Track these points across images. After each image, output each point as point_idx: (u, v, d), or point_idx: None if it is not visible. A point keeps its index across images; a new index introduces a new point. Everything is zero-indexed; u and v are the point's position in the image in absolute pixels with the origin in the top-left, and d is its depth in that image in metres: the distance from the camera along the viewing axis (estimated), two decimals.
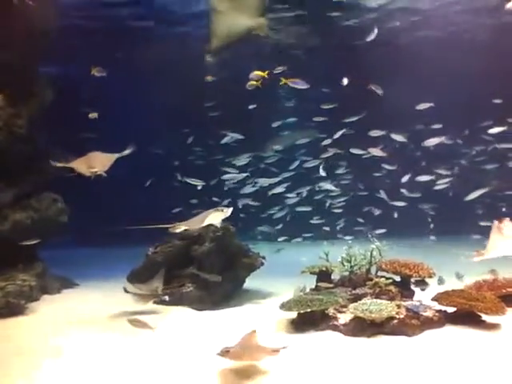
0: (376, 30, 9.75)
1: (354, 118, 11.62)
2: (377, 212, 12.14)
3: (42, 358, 4.84)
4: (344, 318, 5.50)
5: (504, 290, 6.28)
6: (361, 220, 13.35)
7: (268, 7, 10.03)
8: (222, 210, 5.59)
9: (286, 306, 5.60)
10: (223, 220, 6.00)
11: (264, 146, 15.19)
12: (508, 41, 13.24)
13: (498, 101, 12.17)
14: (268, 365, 4.42)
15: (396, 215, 12.93)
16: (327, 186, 11.54)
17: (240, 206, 12.73)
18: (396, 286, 6.13)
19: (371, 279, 6.23)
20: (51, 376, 4.45)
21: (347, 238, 11.79)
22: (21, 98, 7.68)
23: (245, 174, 12.09)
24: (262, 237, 15.00)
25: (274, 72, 9.11)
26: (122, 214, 11.25)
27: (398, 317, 5.36)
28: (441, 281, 7.68)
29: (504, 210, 13.13)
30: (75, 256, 11.66)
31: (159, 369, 4.54)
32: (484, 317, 5.61)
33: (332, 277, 6.79)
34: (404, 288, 6.26)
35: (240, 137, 12.45)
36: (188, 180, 10.84)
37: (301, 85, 8.25)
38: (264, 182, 11.88)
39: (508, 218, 5.20)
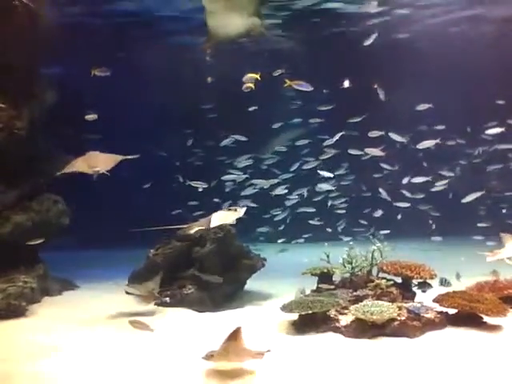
0: (376, 33, 9.73)
1: (357, 119, 11.59)
2: (379, 213, 12.10)
3: (43, 359, 4.83)
4: (345, 320, 5.50)
5: (505, 292, 6.26)
6: (363, 222, 13.32)
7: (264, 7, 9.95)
8: (236, 210, 5.54)
9: (287, 308, 5.61)
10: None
11: (264, 146, 15.16)
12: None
13: (501, 102, 12.17)
14: (269, 366, 4.41)
15: (399, 217, 12.89)
16: (327, 186, 11.50)
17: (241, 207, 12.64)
18: (397, 288, 6.13)
19: (372, 281, 6.23)
20: (52, 377, 4.43)
21: (348, 239, 11.76)
22: (22, 99, 7.66)
23: (244, 176, 12.06)
24: (263, 238, 14.97)
25: (274, 74, 9.10)
26: (122, 215, 11.26)
27: (399, 318, 5.36)
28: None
29: (504, 211, 13.12)
30: (76, 258, 11.64)
31: (159, 370, 4.53)
32: (485, 318, 5.60)
33: (333, 278, 6.78)
34: (405, 289, 6.25)
35: (243, 138, 12.41)
36: (192, 183, 10.83)
37: (305, 87, 8.23)
38: (264, 183, 11.83)
39: None
